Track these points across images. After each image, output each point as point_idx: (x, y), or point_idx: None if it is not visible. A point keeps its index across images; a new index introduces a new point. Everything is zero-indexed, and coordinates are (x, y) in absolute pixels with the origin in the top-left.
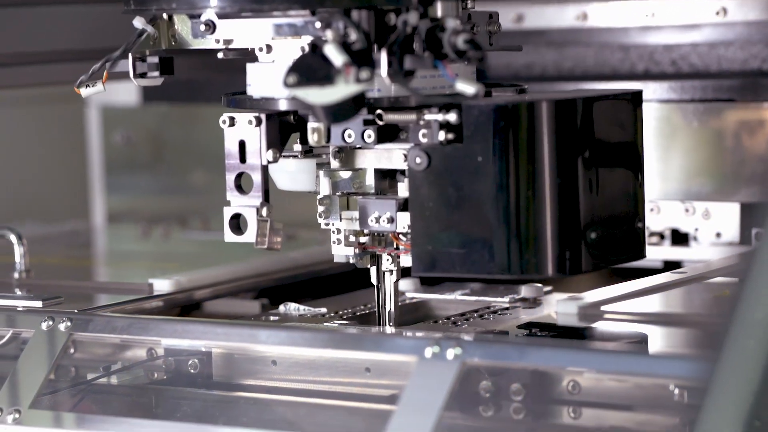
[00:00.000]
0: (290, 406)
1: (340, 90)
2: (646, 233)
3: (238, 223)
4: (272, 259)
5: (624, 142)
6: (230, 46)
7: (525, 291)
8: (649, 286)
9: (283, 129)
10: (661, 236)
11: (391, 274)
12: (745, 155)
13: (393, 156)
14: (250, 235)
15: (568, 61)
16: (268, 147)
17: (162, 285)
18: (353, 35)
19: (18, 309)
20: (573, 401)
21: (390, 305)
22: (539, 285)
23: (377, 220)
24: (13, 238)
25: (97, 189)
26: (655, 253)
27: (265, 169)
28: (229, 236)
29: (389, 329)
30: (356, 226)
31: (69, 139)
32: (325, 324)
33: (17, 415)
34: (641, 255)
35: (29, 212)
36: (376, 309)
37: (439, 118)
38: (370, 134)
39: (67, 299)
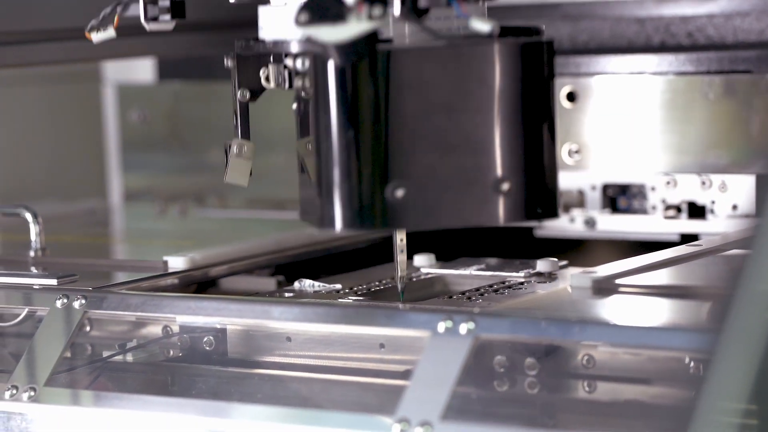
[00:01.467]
0: (304, 382)
1: (353, 27)
2: (662, 206)
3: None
4: (288, 236)
5: (469, 96)
6: None
7: (540, 265)
8: (665, 259)
9: (259, 68)
10: (678, 209)
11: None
12: (761, 127)
13: None
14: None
15: (584, 34)
16: (240, 86)
17: (177, 262)
18: None
19: (33, 287)
20: (587, 375)
21: (401, 256)
22: (554, 259)
23: None
24: (28, 216)
25: (114, 167)
26: (672, 226)
27: (242, 107)
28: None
29: (402, 305)
30: None
31: (85, 118)
32: (340, 300)
33: (33, 393)
34: (497, 221)
35: (46, 191)
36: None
37: (290, 65)
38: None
39: (82, 277)
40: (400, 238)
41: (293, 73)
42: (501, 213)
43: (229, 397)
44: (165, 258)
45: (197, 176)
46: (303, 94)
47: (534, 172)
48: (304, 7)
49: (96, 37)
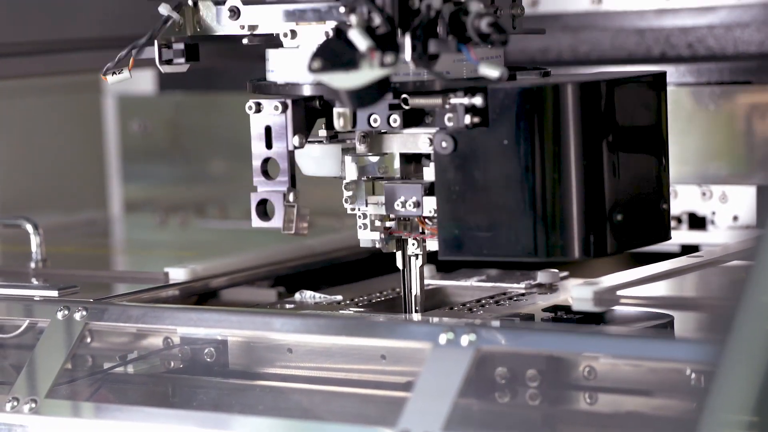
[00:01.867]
0: (306, 394)
1: (365, 74)
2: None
3: (264, 209)
4: (288, 247)
5: (647, 124)
6: (255, 32)
7: (541, 277)
8: (666, 271)
9: (309, 114)
10: (679, 220)
11: (417, 258)
12: (761, 138)
13: (418, 140)
14: (277, 221)
15: (584, 45)
16: (294, 132)
17: (177, 274)
18: (377, 19)
19: (34, 298)
20: (589, 386)
21: (416, 290)
22: (555, 270)
23: (403, 204)
24: (29, 227)
25: (115, 178)
26: (673, 237)
27: (291, 155)
28: (257, 222)
29: (403, 316)
30: (382, 211)
31: (86, 128)
32: (341, 311)
33: (34, 405)
34: (666, 237)
35: (47, 202)
36: (402, 294)
37: (464, 102)
38: (395, 119)
39: (83, 288)
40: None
41: (466, 110)
42: (667, 234)
43: (230, 409)
44: (166, 269)
45: (198, 187)
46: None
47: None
48: (317, 54)
49: (111, 79)
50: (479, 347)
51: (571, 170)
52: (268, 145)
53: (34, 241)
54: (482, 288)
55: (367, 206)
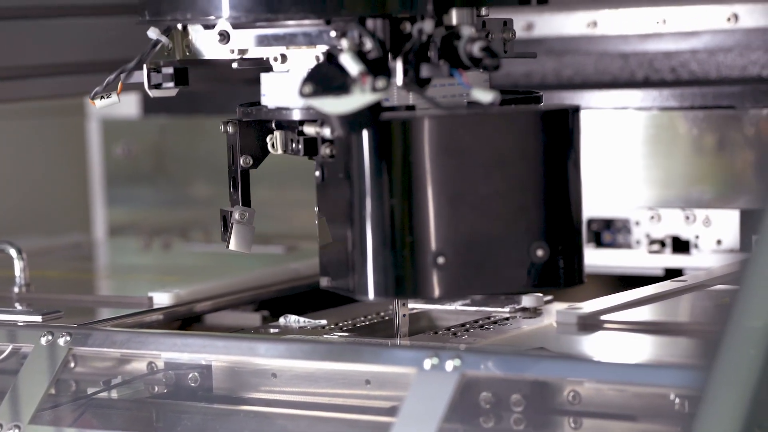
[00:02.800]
0: (290, 419)
1: (356, 99)
2: (646, 240)
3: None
4: (273, 271)
5: (518, 163)
6: (244, 56)
7: (526, 301)
8: (650, 295)
9: (262, 133)
10: (662, 244)
11: None
12: (745, 162)
13: None
14: (227, 238)
15: (568, 69)
16: (242, 152)
17: (162, 298)
18: (368, 44)
19: (18, 323)
20: (573, 411)
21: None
22: (540, 295)
23: None
24: (12, 252)
25: (98, 202)
26: (656, 261)
27: (243, 174)
28: (222, 236)
29: (388, 341)
30: None
31: (69, 152)
32: (325, 336)
33: (17, 431)
34: (530, 285)
35: (30, 225)
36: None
37: (314, 133)
38: (296, 146)
39: (67, 313)
40: (402, 303)
41: (319, 141)
42: (531, 280)
43: None
44: (150, 294)
45: (182, 210)
46: (327, 161)
47: (565, 239)
48: (308, 79)
49: (99, 104)
50: (464, 372)
51: (379, 210)
52: (232, 164)
53: (18, 265)
54: (467, 312)
55: None
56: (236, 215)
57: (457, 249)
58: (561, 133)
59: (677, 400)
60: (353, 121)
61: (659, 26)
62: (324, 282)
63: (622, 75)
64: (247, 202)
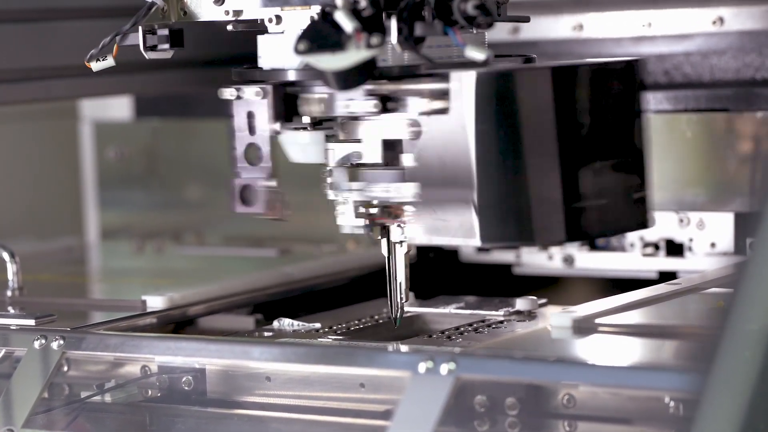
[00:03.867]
0: (284, 423)
1: (351, 56)
2: (640, 243)
3: (247, 195)
4: (266, 274)
5: (624, 110)
6: (239, 18)
7: (520, 304)
8: (644, 298)
9: (289, 101)
10: (656, 247)
11: (401, 245)
12: (738, 165)
13: (397, 126)
14: (258, 206)
15: None
16: (275, 119)
17: (155, 301)
18: (363, 2)
19: (11, 327)
20: (568, 415)
21: (401, 277)
22: (533, 298)
23: (384, 190)
24: (5, 255)
25: (91, 205)
26: (650, 263)
27: (272, 140)
28: (239, 208)
29: (382, 345)
30: (363, 197)
31: (62, 155)
32: (319, 339)
33: None
34: (644, 225)
35: (22, 229)
36: (387, 282)
37: (431, 88)
38: (375, 104)
39: (60, 317)
40: (399, 282)
41: (432, 95)
42: (637, 221)
43: None
44: (143, 297)
45: (174, 214)
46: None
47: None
48: (303, 36)
49: (96, 66)
50: (459, 376)
51: (547, 157)
52: (251, 131)
53: (11, 269)
54: (461, 315)
55: (347, 192)
56: (272, 183)
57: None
58: (637, 83)
59: (672, 404)
60: (348, 78)
61: (645, 29)
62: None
63: None
64: (276, 171)
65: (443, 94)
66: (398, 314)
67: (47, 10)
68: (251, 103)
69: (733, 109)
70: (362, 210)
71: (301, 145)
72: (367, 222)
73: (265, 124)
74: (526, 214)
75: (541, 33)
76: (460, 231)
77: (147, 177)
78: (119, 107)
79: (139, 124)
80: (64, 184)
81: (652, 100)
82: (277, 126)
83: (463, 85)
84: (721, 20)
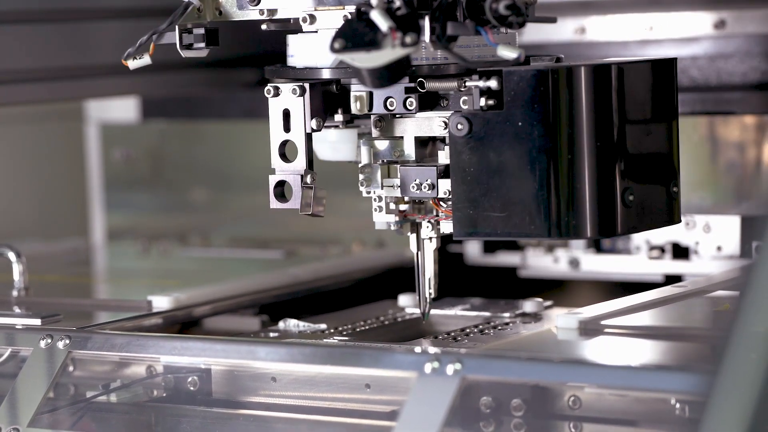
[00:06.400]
0: (290, 423)
1: (387, 54)
2: (646, 246)
3: (282, 191)
4: (272, 276)
5: (658, 107)
6: (273, 17)
7: (526, 306)
8: (650, 300)
9: (326, 98)
10: (662, 250)
11: (431, 241)
12: (745, 168)
13: (433, 123)
14: (294, 202)
15: None
16: (312, 116)
17: (161, 302)
18: (397, 1)
19: (17, 327)
20: (574, 416)
21: (430, 272)
22: (540, 300)
23: (418, 186)
24: (11, 255)
25: (97, 206)
26: (656, 266)
27: (309, 138)
28: (274, 203)
29: (388, 345)
30: (397, 194)
31: (68, 157)
32: (325, 340)
33: None
34: (676, 220)
35: (29, 230)
36: (416, 277)
37: (479, 85)
38: (411, 102)
39: (66, 317)
40: (428, 278)
41: (481, 92)
42: (673, 215)
43: None
44: (149, 297)
45: (180, 215)
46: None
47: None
48: (338, 35)
49: (132, 64)
50: (465, 376)
51: (584, 152)
52: (287, 128)
53: (17, 269)
54: (467, 317)
55: (381, 189)
56: (308, 179)
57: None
58: (672, 81)
59: (678, 405)
60: (383, 76)
61: (647, 33)
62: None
63: None
64: (311, 165)
65: (490, 92)
66: (426, 309)
67: (53, 11)
68: (287, 100)
69: (739, 112)
70: (393, 206)
71: (332, 143)
72: (397, 218)
73: (300, 121)
74: (581, 207)
75: (544, 36)
76: (519, 226)
77: (153, 178)
78: (126, 109)
79: (145, 126)
80: (70, 186)
81: None
82: (314, 123)
83: (520, 83)
84: (723, 23)
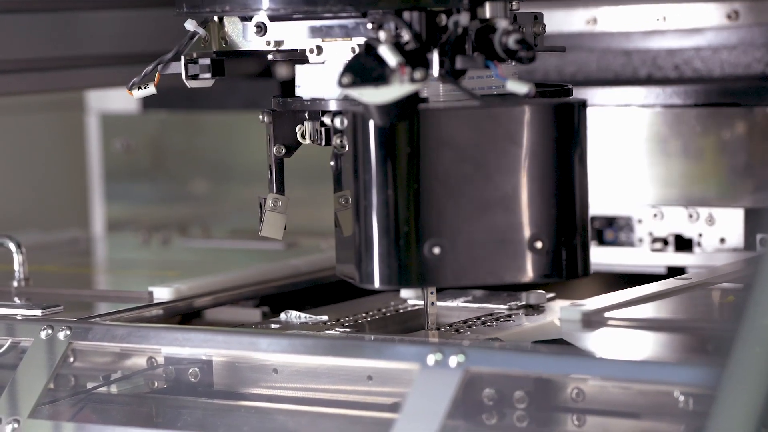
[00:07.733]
0: (291, 415)
1: (395, 90)
2: (649, 238)
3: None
4: (273, 267)
5: (513, 154)
6: (280, 48)
7: (528, 298)
8: (653, 293)
9: (294, 124)
10: (665, 242)
11: None
12: (749, 160)
13: None
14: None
15: (571, 66)
16: (275, 142)
17: (162, 293)
18: (406, 36)
19: (17, 318)
20: (577, 409)
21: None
22: (542, 292)
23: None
24: (12, 246)
25: (97, 197)
26: (659, 259)
27: (277, 163)
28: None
29: (390, 337)
30: None
31: (68, 147)
32: (326, 332)
33: (16, 425)
34: (521, 277)
35: (29, 220)
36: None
37: (328, 123)
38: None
39: (66, 308)
40: (431, 291)
41: (331, 131)
42: (533, 271)
43: (215, 430)
44: (150, 288)
45: (181, 206)
46: (339, 151)
47: (567, 230)
48: (347, 69)
49: (137, 93)
50: (468, 368)
51: (373, 199)
52: (268, 153)
53: (17, 259)
54: (468, 309)
55: None
56: (269, 203)
57: (455, 240)
58: (568, 126)
59: (681, 398)
60: (391, 112)
61: (659, 23)
62: (338, 270)
63: (625, 72)
64: (281, 190)
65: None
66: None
67: (51, 0)
68: (267, 127)
69: (743, 103)
70: None
71: None
72: None
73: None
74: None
75: (555, 26)
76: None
77: (153, 169)
78: (126, 99)
79: (145, 117)
80: (70, 176)
81: (662, 95)
82: (276, 149)
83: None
84: (737, 14)
